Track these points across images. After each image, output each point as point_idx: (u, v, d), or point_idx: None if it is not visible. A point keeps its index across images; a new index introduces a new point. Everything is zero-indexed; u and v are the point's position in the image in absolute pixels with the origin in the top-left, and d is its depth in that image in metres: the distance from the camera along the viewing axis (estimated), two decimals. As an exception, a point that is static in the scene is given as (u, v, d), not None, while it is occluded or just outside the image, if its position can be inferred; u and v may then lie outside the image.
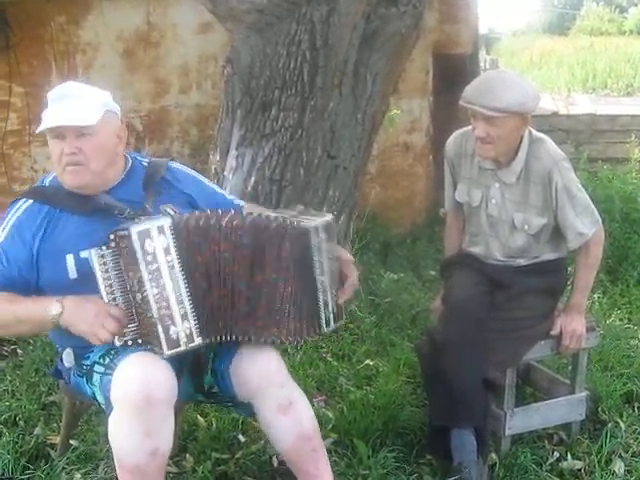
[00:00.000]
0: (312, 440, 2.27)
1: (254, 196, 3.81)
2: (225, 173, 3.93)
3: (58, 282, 2.20)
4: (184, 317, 2.08)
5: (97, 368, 2.19)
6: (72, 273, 2.20)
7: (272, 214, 2.29)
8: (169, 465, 2.75)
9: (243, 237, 2.17)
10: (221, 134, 3.98)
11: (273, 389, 2.22)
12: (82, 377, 2.27)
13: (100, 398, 2.19)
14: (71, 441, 2.81)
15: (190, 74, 5.00)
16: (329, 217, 2.32)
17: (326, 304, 2.27)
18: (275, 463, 2.79)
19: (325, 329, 2.29)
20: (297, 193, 3.85)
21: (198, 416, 3.03)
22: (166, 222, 2.10)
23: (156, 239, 2.07)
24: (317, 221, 2.26)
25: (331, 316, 2.30)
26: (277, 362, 2.27)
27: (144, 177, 2.36)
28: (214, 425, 2.98)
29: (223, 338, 2.18)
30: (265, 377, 2.22)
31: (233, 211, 2.27)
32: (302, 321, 2.24)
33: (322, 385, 3.36)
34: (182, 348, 2.08)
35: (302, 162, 3.84)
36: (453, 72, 5.22)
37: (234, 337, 2.19)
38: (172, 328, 2.06)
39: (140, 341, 2.09)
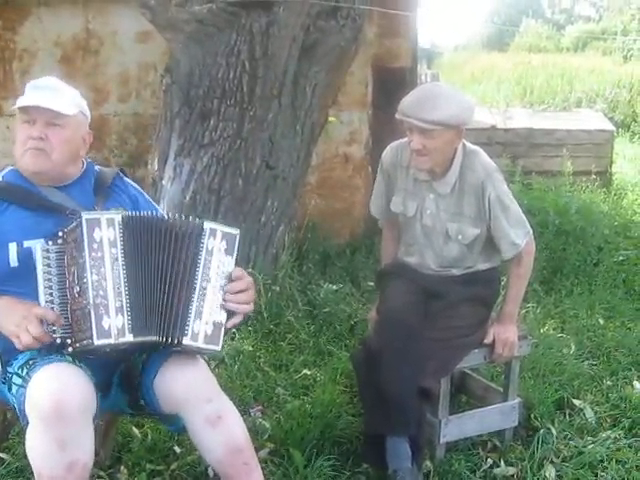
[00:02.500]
0: (243, 453, 2.23)
1: (192, 206, 3.80)
2: (163, 182, 3.91)
3: None
4: (119, 310, 2.06)
5: (15, 379, 2.14)
6: (13, 262, 2.19)
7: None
8: (103, 477, 2.73)
9: (165, 236, 2.17)
10: (159, 143, 3.97)
11: (200, 402, 2.18)
12: (5, 384, 2.22)
13: (17, 410, 2.15)
14: (1, 454, 2.75)
15: (129, 82, 4.97)
16: (235, 231, 2.26)
17: (199, 314, 2.15)
18: (211, 474, 2.77)
19: (188, 341, 2.12)
20: (235, 203, 3.86)
21: (133, 427, 2.99)
22: (117, 216, 2.12)
23: (105, 230, 2.08)
24: (220, 227, 2.23)
25: (201, 332, 2.14)
26: (205, 375, 2.24)
27: (96, 181, 2.40)
28: (149, 436, 2.95)
29: (155, 339, 2.13)
30: (191, 390, 2.18)
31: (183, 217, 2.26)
32: (169, 323, 2.15)
33: (259, 395, 3.35)
34: (112, 340, 2.03)
35: (241, 172, 3.85)
36: (392, 85, 5.27)
37: (166, 339, 2.13)
38: (105, 318, 2.03)
39: (69, 341, 2.07)
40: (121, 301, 2.07)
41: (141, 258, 2.14)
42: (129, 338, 2.06)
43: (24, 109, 2.24)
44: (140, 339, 2.10)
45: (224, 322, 2.20)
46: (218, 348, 2.20)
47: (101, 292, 2.05)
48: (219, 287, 2.20)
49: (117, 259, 2.09)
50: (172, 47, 3.88)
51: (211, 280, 2.18)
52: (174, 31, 3.77)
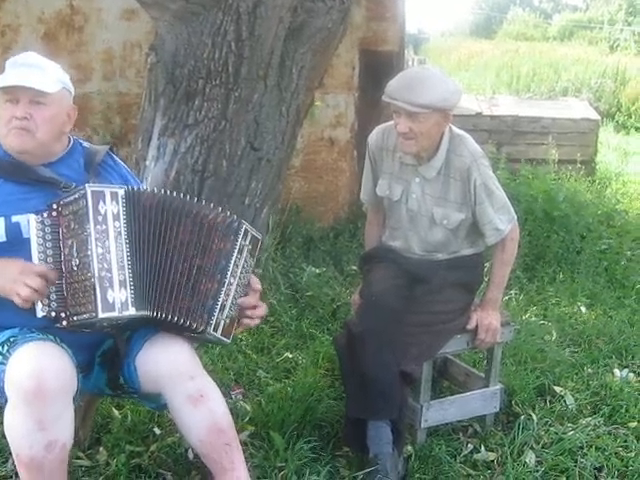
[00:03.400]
0: (225, 433, 2.22)
1: (176, 186, 3.74)
2: (147, 162, 3.85)
3: None
4: (122, 284, 2.06)
5: None
6: (1, 236, 2.16)
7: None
8: (81, 458, 2.71)
9: (193, 221, 2.20)
10: (143, 123, 3.90)
11: (183, 380, 2.17)
12: None
13: None
14: (-22, 434, 2.73)
15: (114, 61, 4.90)
16: (260, 236, 2.36)
17: (223, 308, 2.21)
18: (191, 456, 2.76)
19: (210, 330, 2.17)
20: (219, 184, 3.81)
21: (113, 408, 2.98)
22: (120, 191, 2.14)
23: (109, 203, 2.10)
24: (250, 229, 2.30)
25: (221, 324, 2.20)
26: (188, 353, 2.23)
27: (85, 157, 2.38)
28: (129, 417, 2.93)
29: (155, 314, 2.13)
30: (175, 367, 2.17)
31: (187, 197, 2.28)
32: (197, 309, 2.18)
33: (240, 378, 3.35)
34: (115, 314, 2.04)
35: (225, 153, 3.79)
36: (379, 69, 5.23)
37: (166, 316, 2.13)
38: (109, 291, 2.03)
39: (63, 315, 2.07)
40: (124, 275, 2.07)
41: (149, 236, 2.15)
42: (132, 312, 2.07)
43: (6, 88, 2.19)
44: (141, 314, 2.10)
45: (236, 317, 2.28)
46: (229, 341, 2.29)
47: (106, 265, 2.05)
48: (242, 285, 2.27)
49: (120, 233, 2.10)
50: (157, 25, 3.82)
51: (236, 277, 2.24)
52: (159, 9, 3.69)
